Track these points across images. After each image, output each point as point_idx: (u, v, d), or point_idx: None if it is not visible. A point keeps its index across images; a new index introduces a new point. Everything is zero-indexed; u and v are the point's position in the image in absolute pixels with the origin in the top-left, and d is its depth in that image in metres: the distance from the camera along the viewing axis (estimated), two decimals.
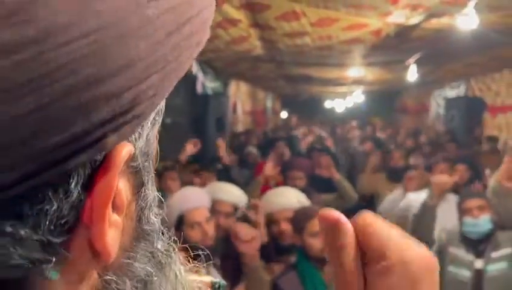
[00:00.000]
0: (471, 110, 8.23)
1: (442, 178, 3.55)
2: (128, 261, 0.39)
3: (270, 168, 4.26)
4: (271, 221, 3.02)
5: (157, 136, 0.44)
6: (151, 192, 0.42)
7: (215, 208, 2.81)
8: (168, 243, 0.44)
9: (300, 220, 2.70)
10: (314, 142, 9.22)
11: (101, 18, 0.28)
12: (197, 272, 0.72)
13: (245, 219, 3.20)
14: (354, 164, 7.73)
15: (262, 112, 13.99)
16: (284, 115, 18.45)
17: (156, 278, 0.41)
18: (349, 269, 0.46)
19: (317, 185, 4.48)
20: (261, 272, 2.51)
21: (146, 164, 0.39)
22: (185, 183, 4.07)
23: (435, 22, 4.54)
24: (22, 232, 0.30)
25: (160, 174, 4.10)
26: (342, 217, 0.46)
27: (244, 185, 5.05)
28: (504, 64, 6.96)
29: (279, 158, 6.48)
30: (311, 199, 3.30)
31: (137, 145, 0.37)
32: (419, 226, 3.44)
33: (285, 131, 10.99)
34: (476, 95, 8.57)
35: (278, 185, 4.21)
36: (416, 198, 4.10)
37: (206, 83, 7.58)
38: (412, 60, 6.74)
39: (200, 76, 7.02)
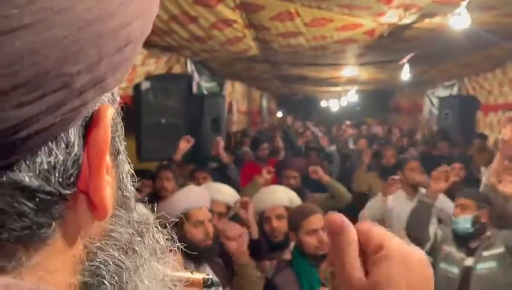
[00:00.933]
0: (465, 108, 8.28)
1: (440, 183, 3.58)
2: (112, 226, 0.41)
3: (265, 175, 4.29)
4: (262, 219, 3.06)
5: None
6: (126, 161, 0.44)
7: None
8: (144, 214, 0.46)
9: (296, 218, 2.73)
10: (309, 142, 9.27)
11: None
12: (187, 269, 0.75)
13: (237, 219, 3.23)
14: (348, 163, 7.77)
15: (257, 112, 14.02)
16: (279, 114, 18.49)
17: (137, 244, 0.43)
18: (352, 265, 0.50)
19: (311, 185, 4.52)
20: (252, 269, 2.53)
21: (117, 132, 0.42)
22: (180, 182, 4.09)
23: (427, 22, 4.58)
24: (37, 183, 0.33)
25: (155, 174, 4.12)
26: (346, 220, 0.52)
27: (238, 185, 5.09)
28: (496, 63, 7.02)
29: (276, 152, 6.53)
30: (305, 198, 3.34)
31: (114, 107, 0.40)
32: (414, 223, 3.48)
33: (281, 130, 11.02)
34: (469, 94, 8.62)
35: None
36: (391, 199, 4.20)
37: (202, 83, 7.59)
38: (405, 59, 6.78)
39: (196, 76, 7.04)
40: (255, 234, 3.02)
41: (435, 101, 10.46)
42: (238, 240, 2.51)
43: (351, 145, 9.55)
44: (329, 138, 10.94)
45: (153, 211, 0.49)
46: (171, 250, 0.51)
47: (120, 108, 0.43)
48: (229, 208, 3.18)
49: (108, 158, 0.38)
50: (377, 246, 0.50)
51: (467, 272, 3.09)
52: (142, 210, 0.47)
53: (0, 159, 0.31)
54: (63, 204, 0.36)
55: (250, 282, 2.47)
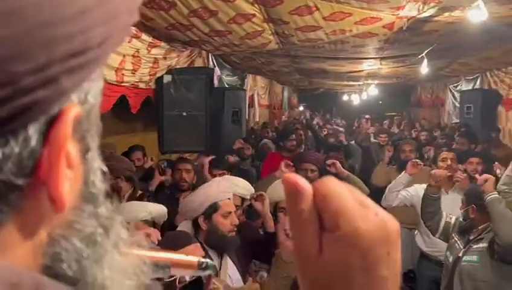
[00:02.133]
0: (487, 102, 8.21)
1: (438, 171, 3.72)
2: (75, 218, 0.44)
3: (282, 167, 4.34)
4: (277, 209, 3.10)
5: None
6: (97, 159, 0.46)
7: None
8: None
9: None
10: (329, 135, 9.29)
11: None
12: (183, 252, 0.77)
13: (251, 212, 3.30)
14: (368, 157, 7.77)
15: (279, 106, 14.06)
16: (300, 108, 18.49)
17: (100, 237, 0.45)
18: (305, 236, 0.47)
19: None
20: (293, 268, 2.59)
21: (91, 131, 0.44)
22: (198, 175, 4.19)
23: (447, 15, 4.58)
24: None
25: (175, 166, 4.22)
26: (302, 182, 0.47)
27: (257, 178, 5.17)
28: None
29: (298, 147, 6.56)
30: None
31: (82, 109, 0.42)
32: (425, 216, 3.60)
33: (305, 123, 11.04)
34: (491, 87, 8.55)
35: None
36: (420, 189, 4.21)
37: (223, 77, 7.68)
38: (424, 53, 6.76)
39: (217, 70, 7.12)
40: (271, 227, 3.08)
41: (457, 95, 10.38)
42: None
43: (372, 140, 9.53)
44: (349, 132, 10.94)
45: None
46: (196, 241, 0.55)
47: (98, 109, 0.45)
48: (243, 200, 3.24)
49: (73, 153, 0.41)
50: (332, 224, 0.46)
51: (456, 262, 3.21)
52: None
53: None
54: (19, 193, 0.38)
55: (288, 279, 2.51)
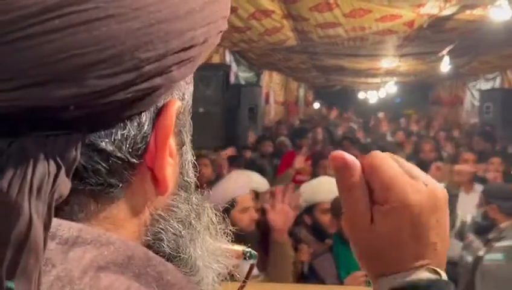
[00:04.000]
0: (507, 102, 8.10)
1: (464, 167, 3.63)
2: (173, 202, 0.49)
3: (300, 161, 4.34)
4: (318, 208, 3.07)
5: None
6: (189, 152, 0.51)
7: None
8: (201, 198, 0.53)
9: (339, 206, 2.78)
10: (345, 133, 9.24)
11: None
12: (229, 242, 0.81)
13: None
14: None
15: (294, 103, 14.03)
16: (316, 105, 18.43)
17: (194, 220, 0.50)
18: (356, 208, 0.52)
19: None
20: (289, 249, 2.57)
21: (185, 128, 0.50)
22: (216, 170, 4.20)
23: (468, 13, 4.52)
24: (111, 148, 0.41)
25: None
26: (350, 158, 0.52)
27: (273, 174, 5.16)
28: None
29: (314, 145, 6.56)
30: None
31: (182, 104, 0.47)
32: None
33: (318, 121, 11.01)
34: (511, 87, 8.44)
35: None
36: None
37: (239, 73, 7.68)
38: (445, 51, 6.69)
39: (233, 66, 7.13)
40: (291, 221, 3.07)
41: (476, 93, 10.26)
42: (284, 218, 2.54)
43: (389, 138, 9.46)
44: (366, 129, 10.87)
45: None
46: (223, 233, 0.58)
47: (190, 109, 0.51)
48: (256, 194, 3.23)
49: (173, 144, 0.46)
50: (382, 197, 0.51)
51: (477, 261, 3.15)
52: (198, 196, 0.56)
53: (85, 124, 0.39)
54: (131, 171, 0.43)
55: (284, 261, 2.51)
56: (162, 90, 0.42)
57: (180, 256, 0.48)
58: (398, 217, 0.51)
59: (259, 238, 2.66)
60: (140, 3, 0.38)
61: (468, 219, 3.46)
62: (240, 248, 0.83)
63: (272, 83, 10.76)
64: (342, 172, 0.52)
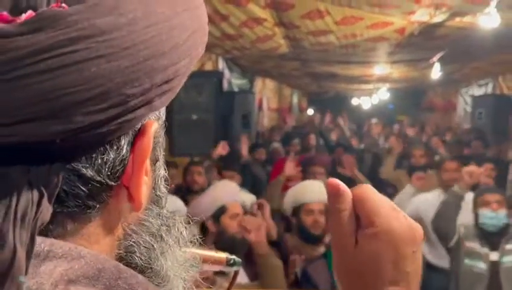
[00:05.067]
0: (499, 108, 8.14)
1: (473, 169, 3.59)
2: (145, 217, 0.51)
3: (291, 167, 4.35)
4: (302, 210, 3.08)
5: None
6: (162, 167, 0.54)
7: None
8: (171, 211, 0.56)
9: None
10: (338, 139, 9.26)
11: (159, 16, 0.43)
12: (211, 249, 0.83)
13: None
14: (377, 161, 7.73)
15: (288, 109, 14.05)
16: (310, 112, 18.45)
17: (164, 233, 0.52)
18: (343, 231, 0.56)
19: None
20: (272, 258, 2.60)
21: (159, 143, 0.52)
22: (209, 178, 4.20)
23: (458, 21, 4.56)
24: (91, 173, 0.43)
25: (187, 169, 4.23)
26: (343, 186, 0.57)
27: (266, 181, 5.17)
28: None
29: (306, 151, 6.57)
30: None
31: (159, 123, 0.50)
32: (443, 214, 3.49)
33: (312, 127, 11.02)
34: (503, 93, 8.48)
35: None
36: (426, 198, 4.16)
37: (232, 80, 7.69)
38: (435, 58, 6.73)
39: (226, 73, 7.14)
40: (274, 235, 3.08)
41: (469, 99, 10.31)
42: (256, 231, 2.58)
43: (382, 144, 9.48)
44: (359, 136, 10.89)
45: (186, 205, 0.59)
46: (203, 242, 0.62)
47: (164, 125, 0.54)
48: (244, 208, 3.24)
49: (148, 163, 0.48)
50: (368, 222, 0.55)
51: (494, 266, 3.15)
52: (177, 204, 0.57)
53: (68, 153, 0.41)
54: (109, 193, 0.46)
55: (272, 271, 2.54)
56: (142, 117, 0.44)
57: (152, 268, 0.50)
58: (380, 241, 0.55)
59: (249, 245, 2.67)
60: (130, 43, 0.40)
61: (461, 227, 3.43)
62: (223, 255, 0.85)
63: (265, 90, 10.77)
64: (334, 197, 0.57)
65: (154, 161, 0.51)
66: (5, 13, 0.39)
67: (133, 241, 0.49)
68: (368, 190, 0.57)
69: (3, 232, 0.36)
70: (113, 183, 0.45)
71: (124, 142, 0.45)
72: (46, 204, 0.40)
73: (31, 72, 0.37)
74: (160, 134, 0.52)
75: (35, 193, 0.39)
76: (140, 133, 0.46)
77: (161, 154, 0.53)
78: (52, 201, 0.40)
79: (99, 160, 0.43)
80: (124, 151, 0.45)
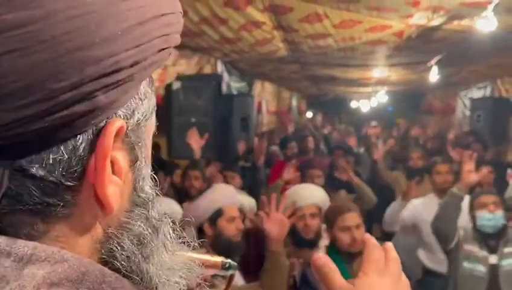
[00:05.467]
0: (498, 110, 8.15)
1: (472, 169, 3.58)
2: (127, 219, 0.50)
3: (290, 172, 4.35)
4: (296, 215, 3.09)
5: (155, 132, 0.55)
6: (146, 168, 0.52)
7: None
8: (162, 213, 0.55)
9: (332, 214, 2.84)
10: (337, 142, 9.26)
11: (87, 8, 0.41)
12: (208, 253, 0.84)
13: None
14: (376, 166, 7.72)
15: (287, 112, 14.05)
16: (309, 115, 18.46)
17: (149, 237, 0.51)
18: (340, 283, 0.70)
19: (335, 184, 4.57)
20: (284, 258, 2.56)
21: (139, 144, 0.50)
22: (207, 181, 4.19)
23: (456, 24, 4.57)
24: (42, 172, 0.42)
25: (184, 172, 4.23)
26: (324, 256, 0.72)
27: (265, 184, 5.17)
28: None
29: (304, 153, 6.57)
30: (329, 197, 3.39)
31: (129, 123, 0.48)
32: (443, 216, 3.45)
33: (311, 130, 11.02)
34: (502, 95, 8.49)
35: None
36: (421, 203, 4.15)
37: (231, 83, 7.69)
38: (433, 61, 6.75)
39: (225, 76, 7.14)
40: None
41: (467, 102, 10.33)
42: (281, 227, 2.51)
43: (381, 147, 9.47)
44: (358, 138, 10.88)
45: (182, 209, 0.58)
46: (200, 245, 0.61)
47: (151, 125, 0.53)
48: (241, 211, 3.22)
49: (121, 162, 0.47)
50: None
51: (494, 269, 3.14)
52: (173, 207, 0.57)
53: (10, 152, 0.41)
54: (72, 192, 0.45)
55: (279, 270, 2.51)
56: (95, 114, 0.43)
57: (134, 272, 0.49)
58: (376, 281, 0.69)
59: (245, 249, 2.67)
60: (47, 36, 0.39)
61: (460, 230, 3.42)
62: (218, 258, 0.86)
63: (264, 93, 10.78)
64: (322, 267, 0.71)
65: (134, 161, 0.50)
66: None
67: (114, 245, 0.49)
68: (324, 262, 0.71)
69: None
70: (70, 183, 0.44)
71: (82, 141, 0.44)
72: None
73: None
74: (141, 134, 0.51)
75: None
76: (102, 131, 0.45)
77: (142, 154, 0.51)
78: None
79: (51, 160, 0.42)
80: (81, 150, 0.44)
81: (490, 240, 3.22)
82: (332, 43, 5.48)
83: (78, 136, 0.43)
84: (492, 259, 3.17)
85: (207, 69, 6.32)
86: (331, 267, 0.70)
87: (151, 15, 0.46)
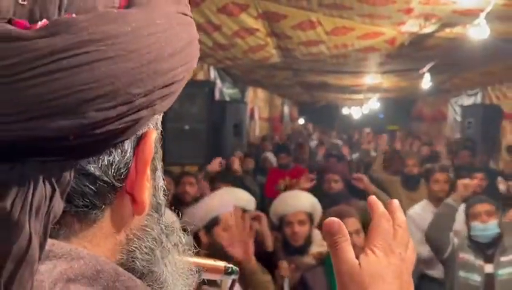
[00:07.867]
0: (488, 117, 8.21)
1: (468, 181, 3.60)
2: (147, 223, 0.53)
3: (307, 181, 4.32)
4: (283, 223, 3.09)
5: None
6: (160, 177, 0.57)
7: None
8: (170, 219, 0.58)
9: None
10: (329, 149, 9.29)
11: (158, 27, 0.47)
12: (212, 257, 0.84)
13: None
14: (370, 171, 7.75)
15: (279, 119, 14.09)
16: (301, 121, 18.52)
17: (165, 240, 0.55)
18: (347, 257, 0.68)
19: (353, 190, 4.54)
20: (260, 275, 2.47)
21: (157, 154, 0.55)
22: (201, 189, 4.18)
23: (448, 31, 4.61)
24: (98, 173, 0.46)
25: (178, 179, 4.21)
26: (338, 221, 0.69)
27: (261, 196, 5.15)
28: None
29: (299, 161, 6.57)
30: (349, 204, 3.38)
31: (157, 133, 0.53)
32: (436, 226, 3.46)
33: (303, 137, 11.05)
34: (492, 103, 8.56)
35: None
36: (415, 212, 4.15)
37: (224, 90, 7.70)
38: (425, 68, 6.80)
39: (218, 83, 7.15)
40: (270, 247, 3.05)
41: (458, 109, 10.40)
42: (243, 246, 2.44)
43: (373, 154, 9.51)
44: (350, 145, 10.92)
45: (177, 216, 0.60)
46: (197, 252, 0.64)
47: (161, 137, 0.56)
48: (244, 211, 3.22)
49: (148, 170, 0.50)
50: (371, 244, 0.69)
51: (490, 279, 3.12)
52: (170, 217, 0.59)
53: (79, 151, 0.44)
54: (114, 194, 0.48)
55: (261, 287, 2.48)
56: (143, 121, 0.47)
57: (152, 272, 0.52)
58: (382, 261, 0.68)
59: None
60: (135, 46, 0.44)
61: (455, 238, 3.41)
62: (221, 263, 0.86)
63: (257, 99, 10.80)
64: (335, 233, 0.68)
65: (154, 170, 0.54)
66: (24, 21, 0.42)
67: (135, 247, 0.51)
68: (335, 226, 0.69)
69: (20, 222, 0.39)
70: (118, 184, 0.48)
71: (128, 146, 0.48)
72: (58, 199, 0.42)
73: (48, 71, 0.40)
74: (159, 145, 0.55)
75: (49, 188, 0.41)
76: (142, 139, 0.49)
77: (159, 165, 0.55)
78: (64, 197, 0.43)
79: (106, 161, 0.46)
80: (128, 154, 0.48)
81: (486, 249, 3.18)
82: (325, 50, 5.50)
83: (126, 141, 0.48)
84: (488, 268, 3.14)
85: (200, 76, 6.32)
86: (344, 235, 0.68)
87: (193, 37, 0.52)
